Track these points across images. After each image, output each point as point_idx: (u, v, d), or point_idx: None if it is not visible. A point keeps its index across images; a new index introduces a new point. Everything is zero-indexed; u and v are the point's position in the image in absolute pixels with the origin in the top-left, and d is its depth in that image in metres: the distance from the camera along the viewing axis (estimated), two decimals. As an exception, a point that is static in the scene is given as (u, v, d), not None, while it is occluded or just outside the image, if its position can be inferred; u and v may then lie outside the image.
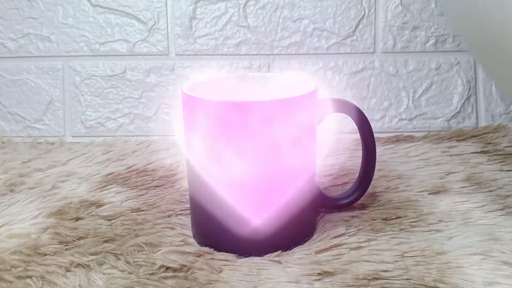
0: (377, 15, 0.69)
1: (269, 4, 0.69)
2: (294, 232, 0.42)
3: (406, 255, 0.40)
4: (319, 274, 0.38)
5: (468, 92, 0.70)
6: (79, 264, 0.39)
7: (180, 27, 0.69)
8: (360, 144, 0.44)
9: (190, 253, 0.40)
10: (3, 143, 0.67)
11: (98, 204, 0.49)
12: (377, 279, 0.37)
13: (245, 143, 0.39)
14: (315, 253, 0.40)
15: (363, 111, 0.44)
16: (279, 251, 0.41)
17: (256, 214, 0.40)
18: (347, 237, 0.42)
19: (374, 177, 0.45)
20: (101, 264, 0.40)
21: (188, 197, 0.45)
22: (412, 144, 0.62)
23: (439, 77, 0.70)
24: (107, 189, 0.53)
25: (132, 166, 0.58)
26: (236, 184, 0.40)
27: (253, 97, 0.47)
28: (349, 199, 0.45)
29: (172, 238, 0.43)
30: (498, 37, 0.39)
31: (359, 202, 0.46)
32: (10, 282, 0.37)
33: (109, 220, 0.46)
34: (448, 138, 0.64)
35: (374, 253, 0.40)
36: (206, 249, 0.41)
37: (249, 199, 0.40)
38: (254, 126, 0.39)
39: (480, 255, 0.39)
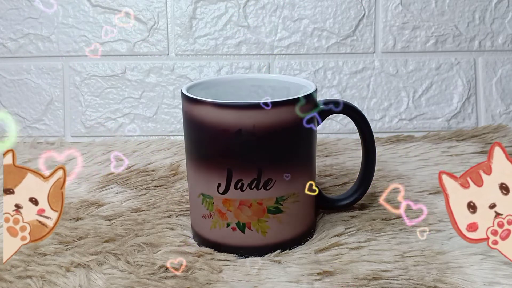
0: (377, 15, 0.69)
1: (269, 4, 0.69)
2: (294, 232, 0.42)
3: (406, 255, 0.40)
4: (319, 274, 0.38)
5: (468, 92, 0.70)
6: (79, 264, 0.39)
7: (180, 27, 0.69)
8: (360, 144, 0.44)
9: (190, 253, 0.40)
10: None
11: (98, 204, 0.49)
12: (377, 279, 0.37)
13: (244, 144, 0.39)
14: (315, 253, 0.40)
15: (363, 111, 0.44)
16: (279, 251, 0.41)
17: (255, 214, 0.40)
18: (346, 237, 0.42)
19: (374, 177, 0.45)
20: (101, 264, 0.40)
21: (188, 197, 0.45)
22: (412, 144, 0.62)
23: (439, 77, 0.70)
24: (107, 189, 0.53)
25: (132, 166, 0.58)
26: (236, 184, 0.40)
27: (252, 98, 0.47)
28: (349, 199, 0.45)
29: (172, 239, 0.43)
30: None
31: (358, 202, 0.46)
32: (10, 282, 0.37)
33: (109, 220, 0.46)
34: (448, 138, 0.64)
35: (374, 253, 0.40)
36: (206, 249, 0.41)
37: (249, 199, 0.40)
38: (253, 127, 0.39)
39: (480, 255, 0.39)
